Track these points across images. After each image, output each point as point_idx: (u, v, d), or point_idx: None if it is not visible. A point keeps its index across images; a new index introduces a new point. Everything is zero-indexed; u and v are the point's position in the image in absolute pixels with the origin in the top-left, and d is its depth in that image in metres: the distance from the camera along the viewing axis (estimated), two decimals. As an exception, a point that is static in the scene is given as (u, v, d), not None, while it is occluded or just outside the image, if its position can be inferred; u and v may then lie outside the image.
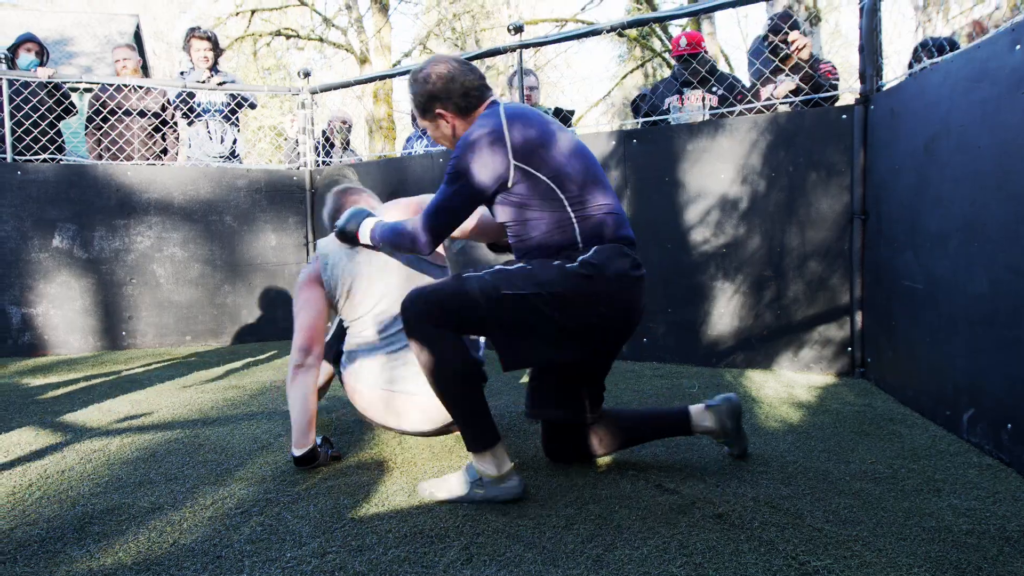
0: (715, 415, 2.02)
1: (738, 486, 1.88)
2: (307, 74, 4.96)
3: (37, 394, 3.27)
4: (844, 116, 3.16)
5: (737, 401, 2.05)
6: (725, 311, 3.51)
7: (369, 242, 2.08)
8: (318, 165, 5.07)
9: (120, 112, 4.72)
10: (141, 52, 24.00)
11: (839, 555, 1.46)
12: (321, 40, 16.62)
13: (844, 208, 3.20)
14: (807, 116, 3.28)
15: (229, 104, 4.98)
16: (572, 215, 1.84)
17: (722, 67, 12.97)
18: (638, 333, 3.74)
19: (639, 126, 4.16)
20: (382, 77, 5.22)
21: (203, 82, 4.80)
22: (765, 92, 3.90)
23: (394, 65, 18.30)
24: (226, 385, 3.40)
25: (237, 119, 5.03)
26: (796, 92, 3.69)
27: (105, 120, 4.72)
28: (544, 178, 1.82)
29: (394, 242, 2.00)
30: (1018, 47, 1.96)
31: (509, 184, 1.82)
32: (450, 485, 1.84)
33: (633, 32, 14.23)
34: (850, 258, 3.18)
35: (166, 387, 3.39)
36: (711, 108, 4.05)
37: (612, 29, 3.69)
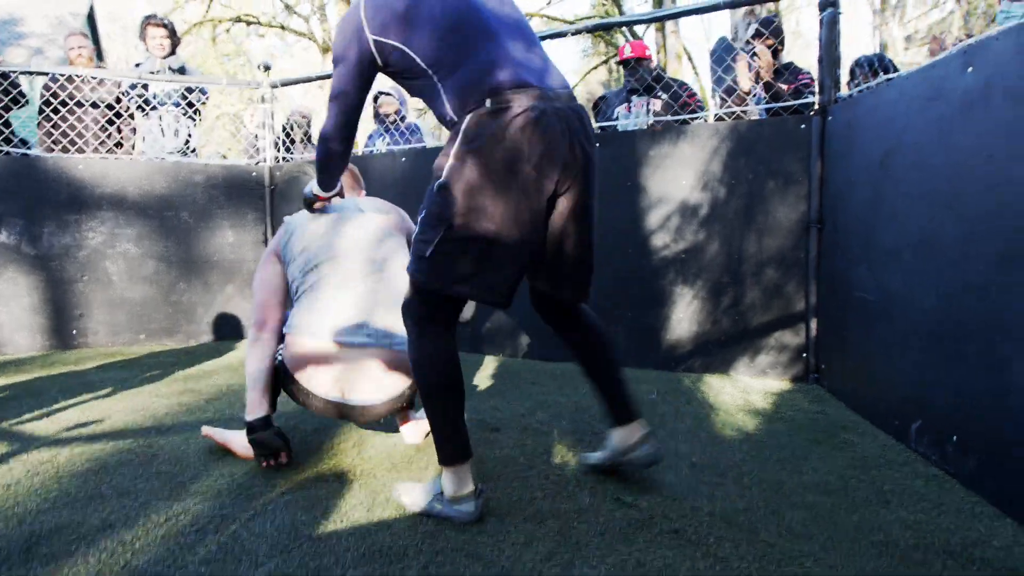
0: (617, 454, 2.02)
1: (695, 499, 1.91)
2: (267, 68, 4.87)
3: (-18, 398, 3.16)
4: (803, 126, 3.22)
5: (647, 461, 2.00)
6: (684, 316, 3.56)
7: (321, 190, 2.17)
8: (278, 161, 4.98)
9: (72, 103, 4.56)
10: (95, 34, 23.27)
11: (791, 572, 1.49)
12: (283, 28, 16.32)
13: (801, 217, 3.26)
14: (767, 125, 3.33)
15: (186, 96, 4.86)
16: (437, 84, 1.74)
17: (684, 64, 13.11)
18: (599, 336, 3.76)
19: (598, 131, 4.18)
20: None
21: (158, 72, 4.68)
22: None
23: (357, 54, 18.05)
24: (181, 389, 3.33)
25: (196, 112, 4.91)
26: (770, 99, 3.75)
27: (56, 111, 4.56)
28: (402, 47, 1.74)
29: (319, 157, 2.04)
30: (970, 69, 2.02)
31: (379, 61, 1.80)
32: (415, 495, 1.85)
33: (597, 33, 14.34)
34: (806, 266, 3.25)
35: (118, 392, 3.31)
36: (654, 113, 4.11)
37: (577, 32, 3.69)
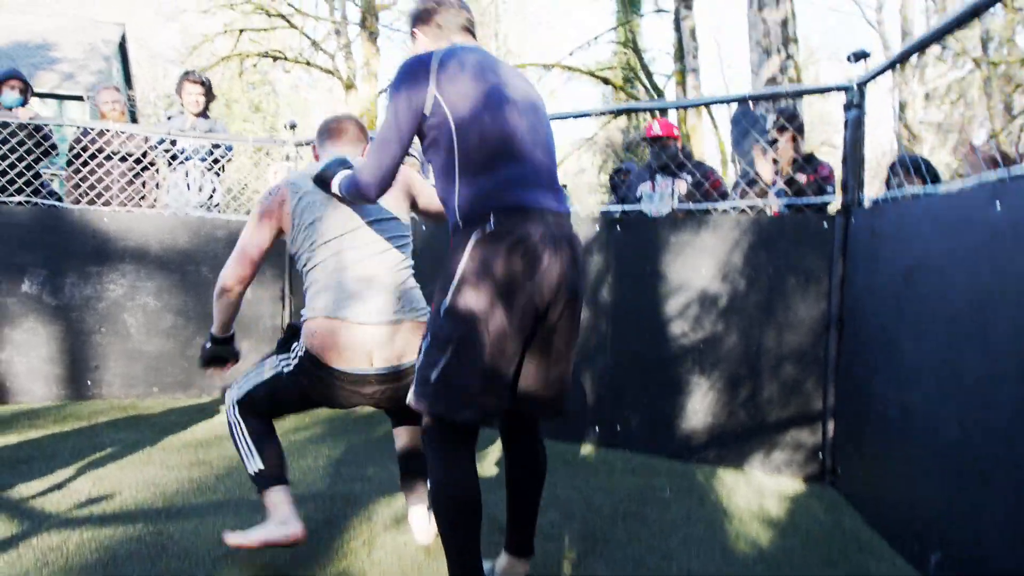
0: None
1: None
2: (293, 126, 4.94)
3: (-6, 461, 3.17)
4: (825, 225, 3.22)
5: None
6: (700, 406, 3.53)
7: (337, 192, 2.07)
8: (300, 219, 5.03)
9: (101, 156, 4.64)
10: (125, 62, 23.82)
11: None
12: (308, 64, 16.61)
13: (821, 315, 3.24)
14: (788, 221, 3.34)
15: (212, 153, 4.94)
16: (457, 176, 1.80)
17: (703, 117, 13.21)
18: (612, 420, 3.74)
19: (619, 214, 4.19)
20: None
21: (189, 127, 4.75)
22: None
23: (380, 93, 18.35)
24: (192, 460, 3.33)
25: (222, 168, 4.98)
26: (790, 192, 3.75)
27: (85, 163, 4.64)
28: (450, 119, 1.78)
29: (350, 191, 1.98)
30: (998, 204, 2.01)
31: (426, 111, 1.80)
32: None
33: (619, 80, 14.46)
34: (825, 365, 3.22)
35: (129, 456, 3.31)
36: (679, 196, 4.13)
37: (602, 113, 3.73)
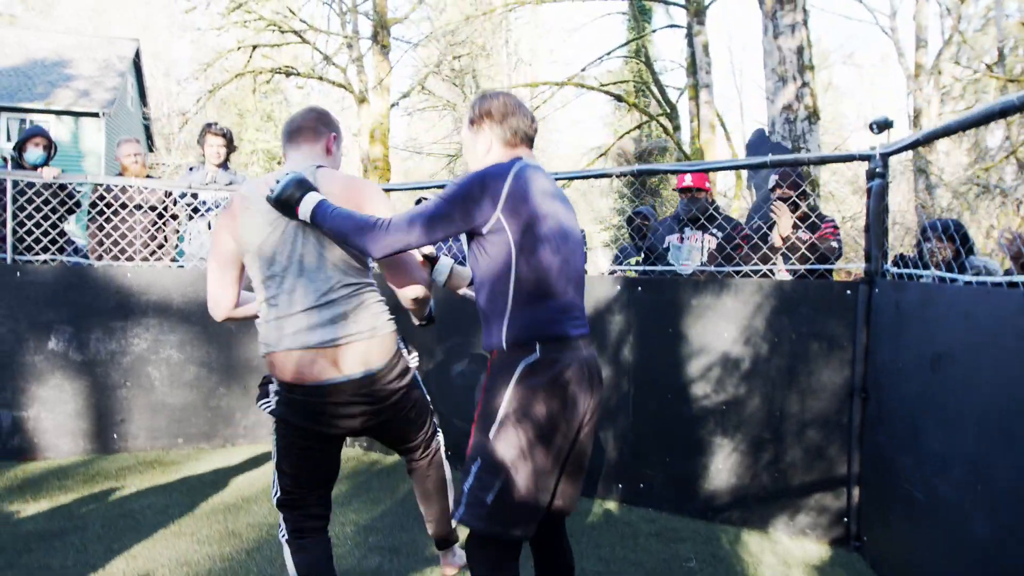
0: None
1: None
2: (312, 176, 4.97)
3: (25, 529, 3.22)
4: (848, 292, 3.22)
5: None
6: (723, 467, 3.53)
7: (308, 219, 1.96)
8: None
9: (124, 211, 4.69)
10: (140, 77, 24.03)
11: None
12: (320, 79, 16.68)
13: (845, 382, 3.24)
14: (811, 287, 3.33)
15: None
16: (510, 300, 1.87)
17: (717, 133, 13.15)
18: (635, 478, 3.75)
19: (639, 261, 4.18)
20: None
21: (209, 178, 4.80)
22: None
23: (392, 106, 18.40)
24: (222, 531, 3.36)
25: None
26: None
27: (109, 220, 4.69)
28: (511, 243, 1.85)
29: (345, 234, 1.91)
30: (1028, 314, 2.00)
31: (485, 229, 1.86)
32: None
33: (631, 94, 14.44)
34: (849, 432, 3.22)
35: (162, 533, 3.32)
36: (709, 251, 4.11)
37: (623, 174, 3.73)
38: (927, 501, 2.51)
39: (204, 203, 4.91)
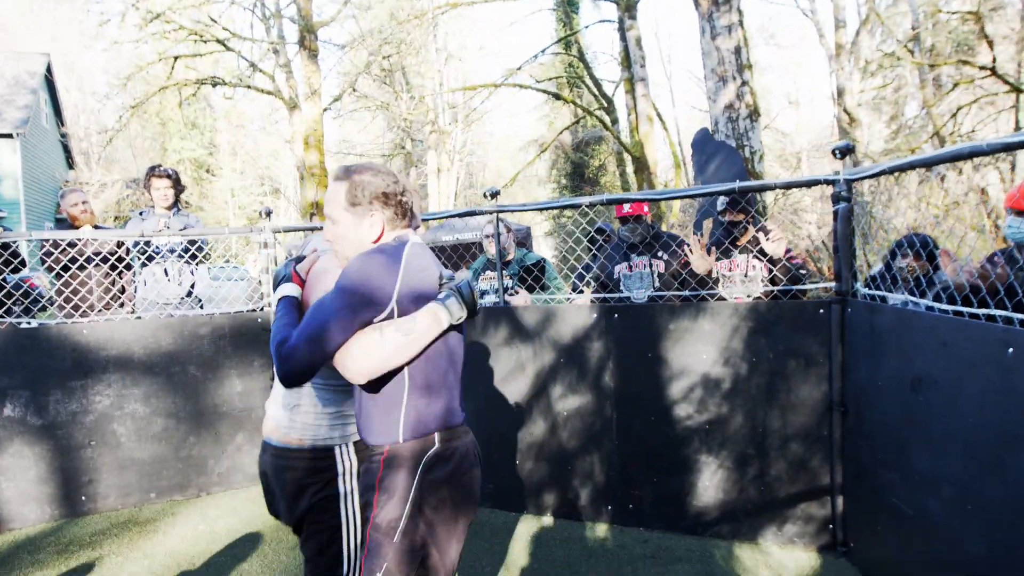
0: None
1: None
2: (268, 213, 4.86)
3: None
4: (821, 311, 3.34)
5: None
6: (710, 484, 3.63)
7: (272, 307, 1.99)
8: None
9: (74, 266, 4.49)
10: (53, 91, 22.84)
11: None
12: (248, 87, 16.21)
13: (823, 396, 3.36)
14: (786, 307, 3.44)
15: (188, 249, 4.83)
16: (406, 391, 1.84)
17: (655, 126, 13.34)
18: (623, 499, 3.82)
19: (615, 303, 4.23)
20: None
21: (161, 223, 4.63)
22: (720, 266, 4.02)
23: (324, 110, 18.03)
24: (217, 598, 3.28)
25: (199, 261, 4.88)
26: (772, 280, 3.81)
27: (59, 276, 4.48)
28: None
29: (273, 337, 1.85)
30: (1010, 350, 2.12)
31: (382, 315, 1.80)
32: None
33: (565, 91, 14.52)
34: (830, 444, 3.35)
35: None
36: (659, 275, 4.18)
37: (592, 204, 3.76)
38: (916, 517, 2.64)
39: (158, 250, 4.74)
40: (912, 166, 2.62)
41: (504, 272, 4.52)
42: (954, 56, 14.71)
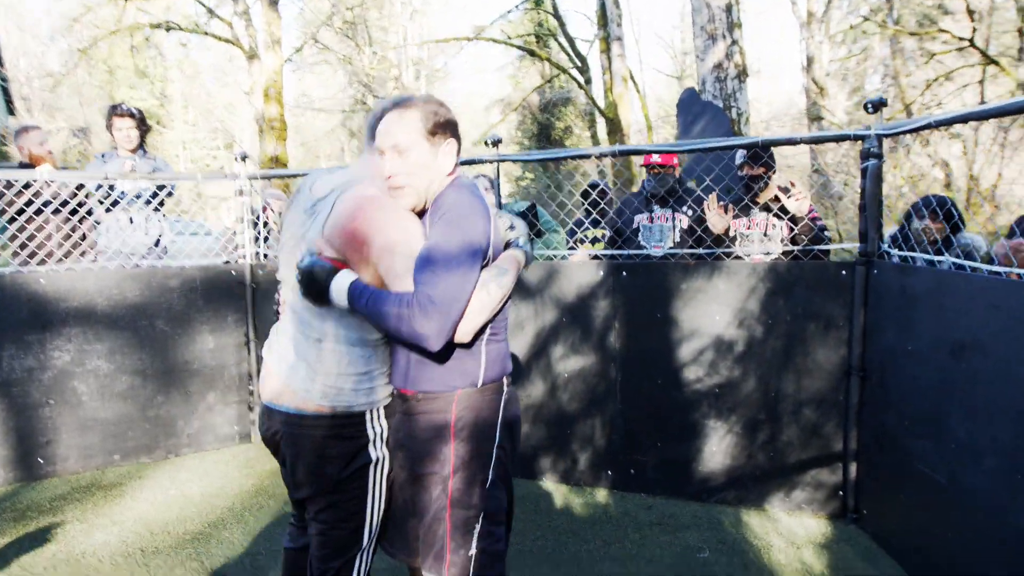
0: None
1: None
2: (244, 157, 4.51)
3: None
4: (844, 272, 3.20)
5: None
6: (717, 449, 3.51)
7: (345, 304, 1.66)
8: (259, 257, 4.64)
9: (30, 210, 4.09)
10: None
11: None
12: (205, 34, 15.39)
13: (841, 361, 3.24)
14: (806, 268, 3.29)
15: (157, 194, 4.45)
16: (486, 337, 1.79)
17: (629, 88, 13.12)
18: (625, 464, 3.68)
19: (601, 237, 4.03)
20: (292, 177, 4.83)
21: (130, 172, 4.25)
22: (737, 224, 3.83)
23: (286, 61, 17.31)
24: (200, 570, 3.04)
25: (161, 203, 4.51)
26: (793, 240, 3.64)
27: (12, 220, 4.08)
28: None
29: (386, 322, 1.61)
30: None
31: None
32: None
33: (542, 52, 14.13)
34: (846, 409, 3.24)
35: None
36: (682, 230, 4.00)
37: (601, 156, 3.54)
38: (950, 486, 2.54)
39: (124, 194, 4.36)
40: (946, 122, 2.46)
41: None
42: (919, 29, 14.77)
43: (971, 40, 9.87)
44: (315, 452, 1.79)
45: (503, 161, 3.80)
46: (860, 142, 3.09)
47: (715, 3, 6.93)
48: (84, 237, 4.35)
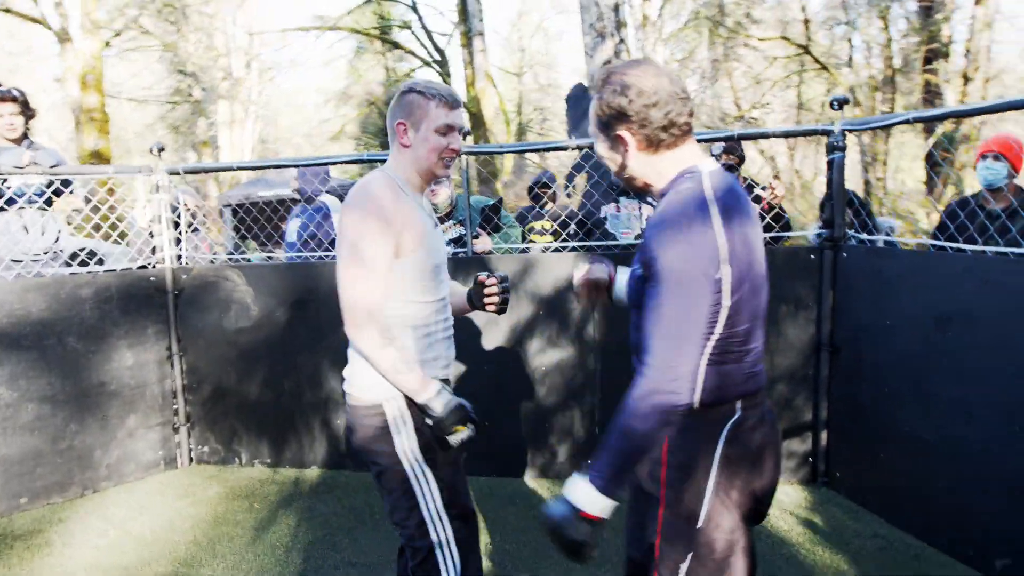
0: None
1: None
2: (161, 149, 4.03)
3: None
4: (812, 256, 3.46)
5: None
6: (696, 430, 3.67)
7: (612, 500, 1.45)
8: (181, 261, 4.17)
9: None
10: None
11: None
12: (8, 11, 13.48)
13: (811, 339, 3.52)
14: (777, 253, 3.53)
15: (52, 188, 3.86)
16: (707, 357, 1.50)
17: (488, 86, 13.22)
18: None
19: (549, 228, 4.07)
20: (255, 167, 4.42)
21: (27, 165, 3.63)
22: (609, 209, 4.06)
23: (106, 45, 15.62)
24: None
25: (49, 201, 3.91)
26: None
27: None
28: (727, 293, 1.44)
29: (633, 452, 1.45)
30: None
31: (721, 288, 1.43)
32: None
33: (383, 46, 13.79)
34: (815, 383, 3.52)
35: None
36: (647, 218, 4.13)
37: (579, 147, 3.56)
38: (940, 443, 2.85)
39: (21, 191, 3.72)
40: (905, 121, 2.78)
41: (458, 219, 4.17)
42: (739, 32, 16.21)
43: (806, 47, 11.03)
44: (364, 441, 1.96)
45: (470, 154, 3.70)
46: (826, 137, 3.36)
47: (603, 2, 7.18)
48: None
